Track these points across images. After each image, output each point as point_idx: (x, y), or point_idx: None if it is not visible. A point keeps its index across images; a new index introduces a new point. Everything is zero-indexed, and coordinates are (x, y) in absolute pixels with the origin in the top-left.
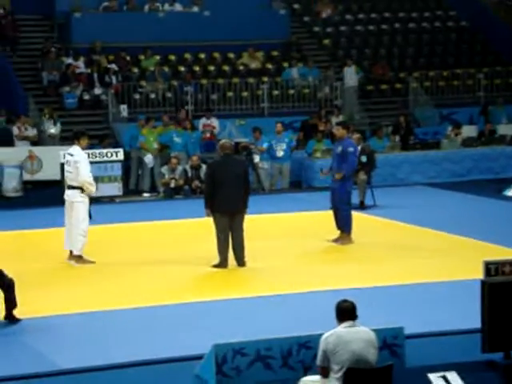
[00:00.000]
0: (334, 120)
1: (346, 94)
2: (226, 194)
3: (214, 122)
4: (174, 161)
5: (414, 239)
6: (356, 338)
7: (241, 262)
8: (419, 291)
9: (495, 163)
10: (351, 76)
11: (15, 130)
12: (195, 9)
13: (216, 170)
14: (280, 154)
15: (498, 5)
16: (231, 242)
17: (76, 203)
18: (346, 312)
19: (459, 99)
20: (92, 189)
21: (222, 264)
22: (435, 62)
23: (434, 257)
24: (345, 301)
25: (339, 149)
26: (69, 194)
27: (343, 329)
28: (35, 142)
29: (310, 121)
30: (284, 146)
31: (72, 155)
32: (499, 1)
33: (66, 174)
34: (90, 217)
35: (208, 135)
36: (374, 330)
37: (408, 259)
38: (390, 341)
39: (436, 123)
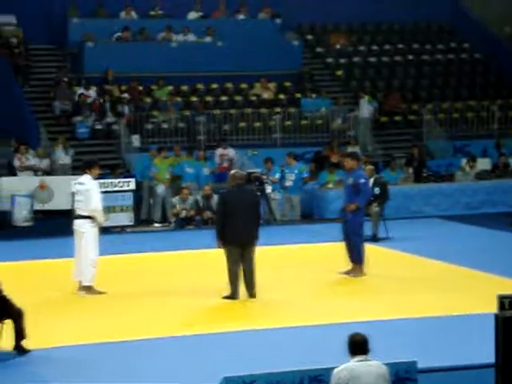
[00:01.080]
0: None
1: (359, 125)
2: (238, 226)
3: (231, 151)
4: (185, 191)
5: (426, 272)
6: (368, 372)
7: (251, 293)
8: (432, 325)
9: (509, 196)
10: (366, 107)
11: (16, 161)
12: (208, 39)
13: (228, 200)
14: (288, 183)
15: None
16: (242, 273)
17: (85, 233)
18: (357, 345)
19: (473, 131)
20: (101, 219)
21: (233, 295)
22: (449, 93)
23: (447, 290)
24: (357, 334)
25: (350, 180)
26: (78, 224)
27: (355, 363)
28: (47, 172)
29: (322, 152)
30: (293, 177)
31: (83, 184)
32: None
33: (75, 203)
34: None
35: (226, 165)
36: (387, 364)
37: (421, 292)
38: (403, 375)
39: (449, 155)
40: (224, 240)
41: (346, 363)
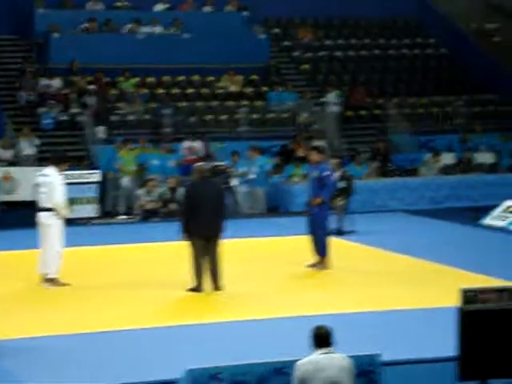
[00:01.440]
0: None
1: (326, 119)
2: (203, 218)
3: (199, 144)
4: (151, 183)
5: (391, 266)
6: (331, 365)
7: (217, 286)
8: (396, 318)
9: (473, 191)
10: (333, 102)
11: None
12: (175, 31)
13: (192, 193)
14: (251, 176)
15: (478, 33)
16: (208, 266)
17: (50, 225)
18: (321, 338)
19: (438, 126)
20: (64, 212)
21: (198, 288)
22: (414, 88)
23: (412, 284)
24: (321, 327)
25: (315, 173)
26: (42, 216)
27: (319, 355)
28: (12, 163)
29: (289, 146)
30: (255, 170)
31: (47, 176)
32: (478, 29)
33: (39, 195)
34: None
35: (194, 157)
36: (350, 357)
37: (385, 286)
38: (366, 368)
39: (414, 150)
40: (189, 233)
41: (310, 356)
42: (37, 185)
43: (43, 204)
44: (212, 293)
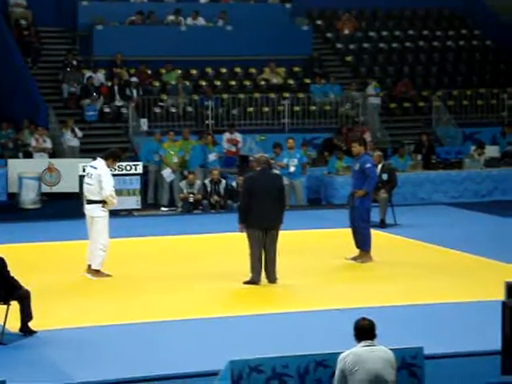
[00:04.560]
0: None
1: (368, 111)
2: (262, 209)
3: (238, 136)
4: (190, 176)
5: (434, 259)
6: (374, 358)
7: (272, 278)
8: (438, 311)
9: None
10: (373, 93)
11: (33, 142)
12: (218, 23)
13: (252, 184)
14: (291, 169)
15: None
16: (264, 257)
17: (96, 217)
18: (364, 331)
19: (482, 119)
20: (115, 202)
21: (255, 281)
22: (459, 80)
23: (455, 277)
24: (364, 319)
25: (357, 166)
26: (88, 209)
27: (361, 348)
28: (52, 154)
29: (334, 138)
30: (296, 162)
31: (95, 168)
32: None
33: (85, 186)
34: None
35: (233, 150)
36: (393, 350)
37: (427, 279)
38: (409, 361)
39: (459, 143)
40: (248, 223)
41: (352, 348)
42: (82, 176)
43: (90, 196)
44: (266, 285)
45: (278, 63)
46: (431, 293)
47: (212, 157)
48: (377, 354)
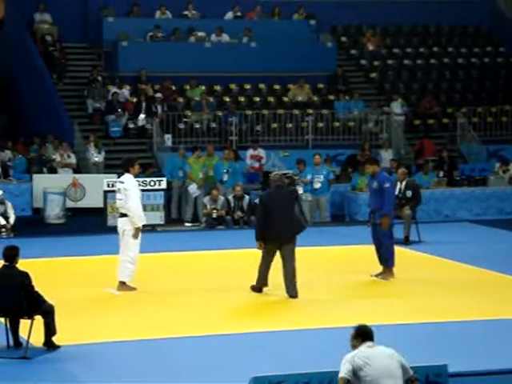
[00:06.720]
0: (383, 154)
1: (391, 128)
2: (277, 226)
3: (262, 152)
4: (214, 192)
5: (458, 276)
6: (382, 354)
7: (293, 293)
8: (463, 329)
9: None
10: (398, 110)
11: (57, 157)
12: (242, 40)
13: (267, 201)
14: (317, 185)
15: None
16: (283, 271)
17: (126, 231)
18: (366, 334)
19: (507, 136)
20: (138, 224)
21: (258, 288)
22: (484, 97)
23: (479, 294)
24: (365, 325)
25: (375, 184)
26: (120, 222)
27: (366, 348)
28: (77, 170)
29: (357, 155)
30: (321, 178)
31: (122, 183)
32: None
33: (117, 201)
34: None
35: (257, 166)
36: (417, 367)
37: (452, 296)
38: (433, 379)
39: (483, 159)
40: (263, 239)
41: (356, 350)
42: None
43: (121, 210)
44: (287, 300)
45: (302, 80)
46: (455, 310)
47: (224, 174)
48: (383, 350)
